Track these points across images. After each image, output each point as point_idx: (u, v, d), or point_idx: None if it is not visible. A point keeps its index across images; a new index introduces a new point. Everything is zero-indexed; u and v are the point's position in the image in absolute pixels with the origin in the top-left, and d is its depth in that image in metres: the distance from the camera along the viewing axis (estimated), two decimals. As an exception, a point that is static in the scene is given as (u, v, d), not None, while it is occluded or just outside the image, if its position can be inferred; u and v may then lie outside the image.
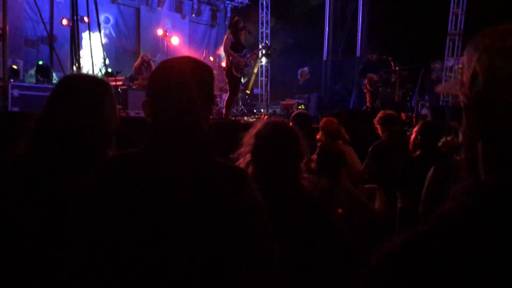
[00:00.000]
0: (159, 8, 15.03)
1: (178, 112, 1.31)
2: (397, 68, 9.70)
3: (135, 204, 1.23)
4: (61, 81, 1.81)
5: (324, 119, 4.34)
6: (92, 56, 4.78)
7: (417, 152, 3.67)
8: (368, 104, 10.17)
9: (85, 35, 8.43)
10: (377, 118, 4.58)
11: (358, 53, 14.68)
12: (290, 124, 2.15)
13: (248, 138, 1.99)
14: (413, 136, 3.75)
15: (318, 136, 4.27)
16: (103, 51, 5.80)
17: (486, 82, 0.62)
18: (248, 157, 1.96)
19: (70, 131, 1.62)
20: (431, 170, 3.02)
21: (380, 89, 10.19)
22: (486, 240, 0.59)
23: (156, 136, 1.33)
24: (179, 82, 1.30)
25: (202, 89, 1.33)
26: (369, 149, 4.31)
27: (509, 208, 0.60)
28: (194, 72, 1.33)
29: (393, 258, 0.66)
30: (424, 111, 11.46)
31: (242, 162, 1.96)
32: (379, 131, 4.55)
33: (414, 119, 8.75)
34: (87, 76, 1.85)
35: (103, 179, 1.29)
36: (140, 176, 1.26)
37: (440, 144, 4.93)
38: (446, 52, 13.62)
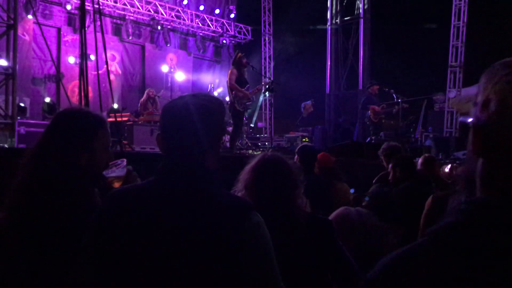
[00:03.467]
0: (168, 45, 15.36)
1: (182, 147, 1.33)
2: (399, 100, 9.79)
3: (136, 237, 1.25)
4: (53, 117, 1.85)
5: (320, 154, 4.37)
6: (100, 94, 4.88)
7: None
8: (372, 136, 10.21)
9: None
10: (381, 150, 4.60)
11: (360, 86, 14.84)
12: (295, 158, 2.17)
13: (243, 175, 2.04)
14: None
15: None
16: (111, 88, 5.90)
17: (497, 109, 0.68)
18: (243, 191, 1.98)
19: (55, 166, 1.64)
20: (430, 198, 3.10)
21: (383, 121, 10.25)
22: (473, 253, 0.63)
23: (164, 168, 1.36)
24: (184, 118, 1.33)
25: (208, 125, 1.35)
26: (373, 181, 4.30)
27: (498, 222, 0.64)
28: (201, 108, 1.35)
29: (386, 272, 0.69)
30: (428, 142, 11.48)
31: None
32: (384, 162, 4.55)
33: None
34: (79, 110, 1.86)
35: (108, 211, 1.32)
36: (143, 209, 1.28)
37: (441, 174, 4.96)
38: (447, 84, 13.76)
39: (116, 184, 1.82)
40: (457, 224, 0.67)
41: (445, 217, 0.71)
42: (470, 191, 0.73)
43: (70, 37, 12.94)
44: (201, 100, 1.39)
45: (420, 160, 4.68)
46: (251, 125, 14.75)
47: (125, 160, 1.89)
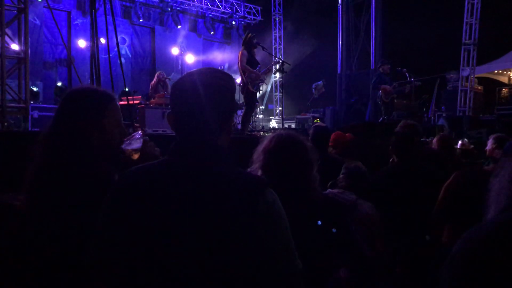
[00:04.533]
0: (179, 27, 15.28)
1: (193, 125, 1.32)
2: (412, 79, 9.67)
3: (150, 217, 1.25)
4: (62, 97, 1.84)
5: (334, 133, 4.36)
6: (112, 77, 4.89)
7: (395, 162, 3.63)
8: (384, 116, 10.13)
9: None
10: (398, 128, 4.54)
11: (372, 66, 14.66)
12: (308, 138, 2.16)
13: (257, 155, 2.01)
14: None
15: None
16: (122, 71, 5.90)
17: None
18: (259, 173, 1.96)
19: (68, 147, 1.65)
20: (452, 176, 3.09)
21: (396, 101, 10.14)
22: None
23: (176, 147, 1.35)
24: (194, 96, 1.31)
25: (218, 102, 1.33)
26: (390, 160, 4.25)
27: None
28: (210, 84, 1.33)
29: (479, 245, 0.71)
30: (441, 122, 11.36)
31: None
32: None
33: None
34: (87, 88, 1.84)
35: (121, 191, 1.32)
36: (156, 188, 1.28)
37: (458, 152, 4.91)
38: (461, 62, 13.52)
39: (135, 156, 1.83)
40: None
41: None
42: None
43: (80, 20, 12.94)
44: (210, 76, 1.36)
45: (434, 140, 4.62)
46: (261, 107, 14.71)
47: (140, 131, 1.89)
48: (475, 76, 13.84)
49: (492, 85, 15.34)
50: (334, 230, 1.97)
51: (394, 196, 3.13)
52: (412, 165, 3.39)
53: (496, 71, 16.57)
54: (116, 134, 1.78)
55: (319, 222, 1.95)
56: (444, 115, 12.23)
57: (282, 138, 2.01)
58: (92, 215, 1.36)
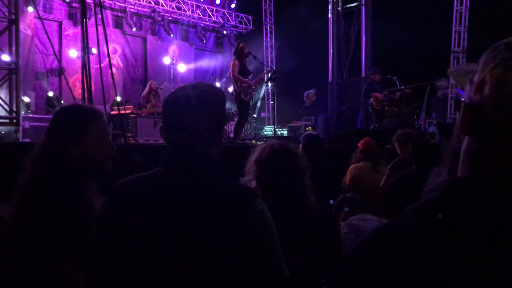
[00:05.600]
0: (171, 36, 15.32)
1: (185, 138, 1.35)
2: (402, 87, 9.76)
3: (144, 227, 1.27)
4: (53, 114, 1.93)
5: (365, 139, 4.51)
6: (103, 86, 4.88)
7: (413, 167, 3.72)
8: (375, 123, 10.19)
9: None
10: (395, 136, 4.58)
11: (363, 74, 14.76)
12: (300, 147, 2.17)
13: (250, 166, 2.03)
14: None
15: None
16: (113, 81, 5.90)
17: (492, 93, 0.66)
18: (253, 184, 1.98)
19: (53, 160, 1.71)
20: None
21: (386, 108, 10.21)
22: (453, 233, 0.61)
23: (169, 159, 1.38)
24: (186, 110, 1.35)
25: (210, 115, 1.36)
26: (389, 166, 4.28)
27: (478, 202, 0.63)
28: (201, 98, 1.36)
29: (366, 247, 0.68)
30: (432, 129, 11.44)
31: None
32: (398, 149, 4.53)
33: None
34: (71, 107, 1.92)
35: (116, 202, 1.35)
36: (150, 199, 1.31)
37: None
38: (451, 70, 13.65)
39: None
40: (446, 199, 0.66)
41: (429, 192, 0.70)
42: (452, 167, 0.72)
43: (71, 30, 12.94)
44: (201, 90, 1.39)
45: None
46: (254, 115, 14.76)
47: None
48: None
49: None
50: (346, 209, 1.99)
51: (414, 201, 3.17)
52: (429, 171, 3.45)
53: (485, 78, 16.72)
54: (101, 149, 1.83)
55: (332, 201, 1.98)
56: (434, 122, 12.32)
57: (274, 148, 2.02)
58: (69, 230, 1.44)
